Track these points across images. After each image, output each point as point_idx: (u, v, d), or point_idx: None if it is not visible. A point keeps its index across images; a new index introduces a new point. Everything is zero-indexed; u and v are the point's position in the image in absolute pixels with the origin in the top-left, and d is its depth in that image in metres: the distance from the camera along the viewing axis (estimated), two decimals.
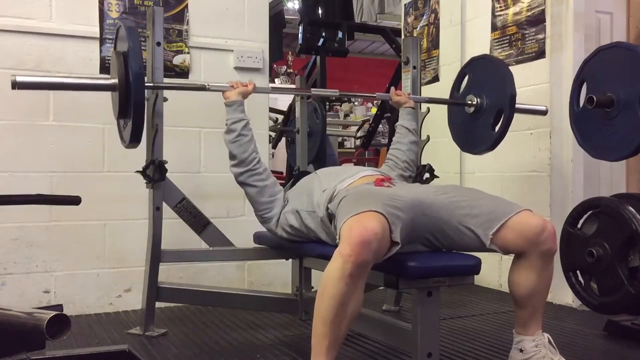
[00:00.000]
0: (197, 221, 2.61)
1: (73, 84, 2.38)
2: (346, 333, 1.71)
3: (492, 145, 2.72)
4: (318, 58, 5.49)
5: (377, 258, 1.68)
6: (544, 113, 3.00)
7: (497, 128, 2.68)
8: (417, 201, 1.91)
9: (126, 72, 2.17)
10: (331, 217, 1.99)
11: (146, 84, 2.33)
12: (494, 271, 3.51)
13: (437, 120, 3.02)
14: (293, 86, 6.25)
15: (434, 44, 4.05)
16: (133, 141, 2.27)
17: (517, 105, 2.66)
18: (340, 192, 2.02)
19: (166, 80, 2.58)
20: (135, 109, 2.18)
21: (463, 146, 2.97)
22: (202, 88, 2.44)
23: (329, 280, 1.64)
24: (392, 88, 2.87)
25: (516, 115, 2.72)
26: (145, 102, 2.35)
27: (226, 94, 2.36)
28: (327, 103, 7.27)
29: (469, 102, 2.78)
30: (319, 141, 3.94)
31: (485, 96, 2.74)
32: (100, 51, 3.00)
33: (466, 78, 2.88)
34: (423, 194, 1.98)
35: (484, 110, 2.75)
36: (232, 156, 2.30)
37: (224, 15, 3.25)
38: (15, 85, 2.12)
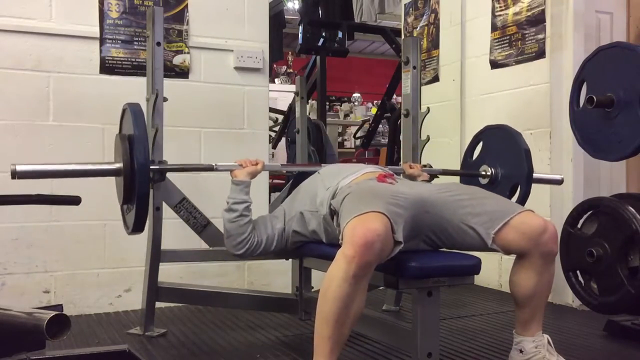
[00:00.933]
0: (197, 221, 2.61)
1: (75, 171, 2.26)
2: (349, 334, 1.71)
3: None
4: (318, 58, 5.49)
5: (381, 259, 1.68)
6: (559, 182, 2.90)
7: (513, 200, 2.57)
8: (419, 198, 1.92)
9: (131, 160, 2.09)
10: (333, 213, 1.98)
11: (151, 167, 2.25)
12: (494, 271, 3.51)
13: (437, 120, 3.02)
14: (293, 86, 6.24)
15: (434, 44, 4.05)
16: (135, 230, 2.20)
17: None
18: (342, 189, 2.02)
19: (172, 165, 2.50)
20: (139, 201, 2.11)
21: None
22: (209, 169, 2.35)
23: (332, 281, 1.64)
24: (407, 164, 2.75)
25: (516, 115, 2.73)
26: (150, 194, 2.27)
27: (234, 173, 2.26)
28: (327, 103, 7.27)
29: (483, 172, 2.70)
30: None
31: (500, 167, 2.67)
32: (100, 51, 2.99)
33: (480, 145, 2.80)
34: (426, 192, 1.99)
35: (498, 182, 2.67)
36: (228, 235, 2.21)
37: (224, 15, 3.25)
38: (15, 175, 2.00)
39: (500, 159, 2.69)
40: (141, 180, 2.09)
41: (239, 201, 2.20)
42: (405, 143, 2.91)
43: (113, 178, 2.46)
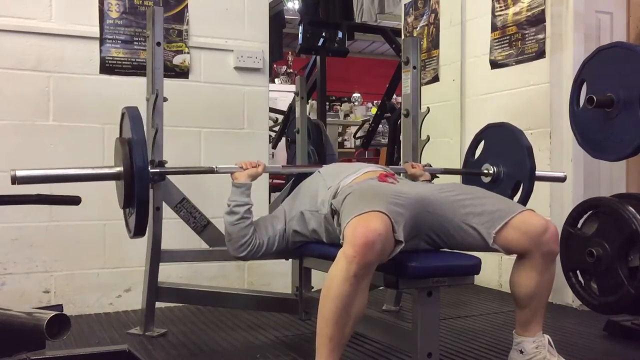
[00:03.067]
0: (197, 221, 2.61)
1: (75, 175, 2.23)
2: (350, 334, 1.71)
3: None
4: (318, 58, 5.49)
5: (382, 258, 1.68)
6: (562, 180, 2.89)
7: (515, 199, 2.59)
8: (420, 198, 1.92)
9: (131, 165, 2.09)
10: (334, 213, 1.98)
11: (151, 170, 2.25)
12: (494, 271, 3.51)
13: (437, 120, 3.02)
14: (293, 86, 6.25)
15: (434, 44, 4.05)
16: (137, 233, 2.19)
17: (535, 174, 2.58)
18: (344, 189, 2.02)
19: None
20: (139, 204, 2.10)
21: None
22: (210, 171, 2.34)
23: (333, 281, 1.64)
24: (408, 163, 2.75)
25: (516, 115, 2.73)
26: (150, 194, 2.26)
27: (235, 175, 2.26)
28: (327, 103, 7.28)
29: (485, 171, 2.69)
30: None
31: (502, 165, 2.66)
32: (100, 51, 2.99)
33: (482, 144, 2.79)
34: (427, 192, 1.99)
35: (501, 181, 2.66)
36: (230, 238, 2.21)
37: (224, 15, 3.25)
38: (15, 181, 1.99)
39: (502, 157, 2.67)
40: (141, 185, 2.09)
41: (240, 204, 2.19)
42: (405, 143, 2.91)
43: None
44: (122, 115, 2.31)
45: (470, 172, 2.79)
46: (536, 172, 2.59)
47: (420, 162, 2.82)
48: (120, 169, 2.13)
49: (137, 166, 2.08)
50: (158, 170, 2.38)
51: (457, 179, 2.93)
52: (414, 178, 2.63)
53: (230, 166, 2.30)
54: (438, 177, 2.85)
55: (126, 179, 2.10)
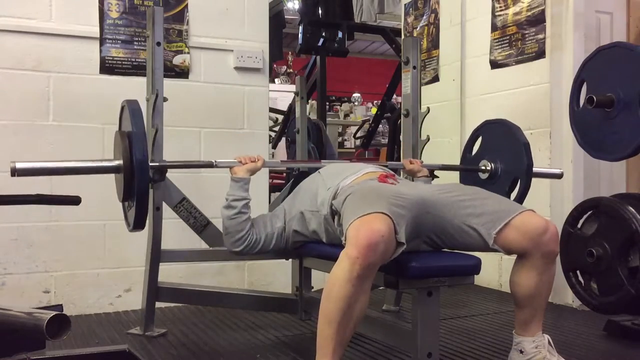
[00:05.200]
0: (197, 221, 2.61)
1: (75, 168, 2.23)
2: (352, 335, 1.71)
3: None
4: (318, 58, 5.49)
5: (384, 260, 1.68)
6: (559, 177, 2.92)
7: (512, 196, 2.60)
8: (421, 199, 1.92)
9: (131, 157, 2.10)
10: (334, 214, 1.98)
11: (151, 164, 2.26)
12: (494, 271, 3.51)
13: (437, 121, 3.02)
14: (293, 86, 6.25)
15: (434, 44, 4.05)
16: (137, 227, 2.19)
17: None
18: (344, 189, 2.02)
19: (171, 162, 2.51)
20: (139, 197, 2.11)
21: None
22: (209, 165, 2.35)
23: (335, 281, 1.64)
24: (407, 160, 2.75)
25: (516, 115, 2.72)
26: (150, 195, 2.28)
27: (234, 170, 2.26)
28: (327, 103, 7.28)
29: (483, 167, 2.70)
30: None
31: (500, 162, 2.67)
32: (100, 51, 2.99)
33: (479, 140, 2.80)
34: (427, 193, 1.99)
35: (498, 177, 2.67)
36: (227, 232, 2.21)
37: (224, 15, 3.25)
38: (15, 173, 1.99)
39: (500, 153, 2.68)
40: (140, 177, 2.09)
41: (238, 198, 2.20)
42: (405, 143, 2.91)
43: (112, 178, 2.45)
44: (122, 108, 2.31)
45: (467, 169, 2.80)
46: (534, 169, 2.59)
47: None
48: (120, 162, 2.13)
49: (136, 158, 2.09)
50: (157, 164, 2.39)
51: (455, 175, 2.93)
52: (412, 174, 2.63)
53: (229, 161, 2.31)
54: (438, 176, 2.85)
55: (126, 171, 2.11)
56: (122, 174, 2.13)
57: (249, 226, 2.20)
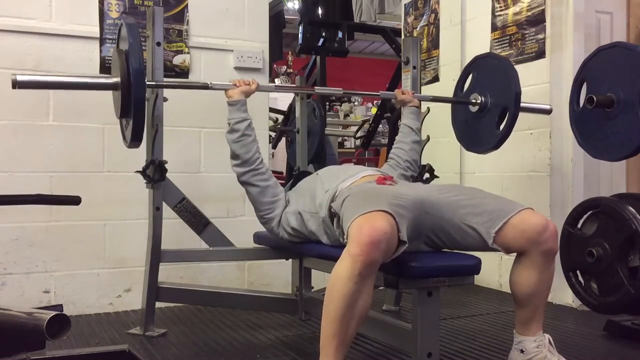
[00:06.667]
0: (197, 221, 2.61)
1: (74, 83, 2.35)
2: (355, 333, 1.71)
3: (497, 144, 2.70)
4: (318, 58, 5.49)
5: (386, 258, 1.68)
6: (548, 112, 2.99)
7: (501, 127, 2.66)
8: (420, 200, 1.92)
9: (127, 70, 2.16)
10: (333, 216, 1.98)
11: (147, 82, 2.32)
12: (494, 271, 3.51)
13: (437, 120, 3.02)
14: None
15: (434, 44, 4.05)
16: (134, 140, 2.24)
17: (521, 104, 2.65)
18: (342, 192, 2.02)
19: (167, 79, 2.57)
20: (136, 107, 2.16)
21: (467, 145, 2.95)
22: (204, 87, 2.41)
23: (338, 279, 1.64)
24: (399, 88, 2.85)
25: None
26: (146, 102, 2.34)
27: (229, 93, 2.33)
28: (327, 103, 7.27)
29: (473, 100, 2.76)
30: (318, 141, 3.95)
31: (490, 95, 2.72)
32: (100, 51, 2.99)
33: (470, 77, 2.87)
34: (426, 193, 1.99)
35: (488, 109, 2.73)
36: (234, 156, 2.28)
37: (224, 15, 3.25)
38: (16, 85, 2.10)
39: (490, 86, 2.75)
40: (137, 86, 2.15)
41: (239, 120, 2.27)
42: None
43: (113, 178, 2.47)
44: (119, 27, 2.37)
45: (458, 101, 2.89)
46: (522, 103, 2.66)
47: (420, 163, 2.81)
48: (117, 79, 2.20)
49: (133, 71, 2.14)
50: (154, 82, 2.42)
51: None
52: (403, 104, 2.71)
53: (224, 83, 2.38)
54: (438, 176, 2.86)
55: (123, 86, 2.16)
56: (119, 91, 2.19)
57: (255, 148, 2.28)
